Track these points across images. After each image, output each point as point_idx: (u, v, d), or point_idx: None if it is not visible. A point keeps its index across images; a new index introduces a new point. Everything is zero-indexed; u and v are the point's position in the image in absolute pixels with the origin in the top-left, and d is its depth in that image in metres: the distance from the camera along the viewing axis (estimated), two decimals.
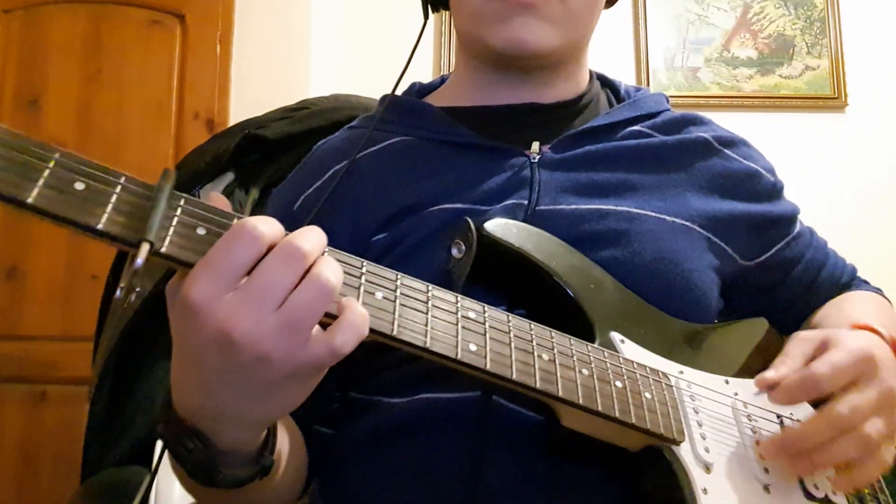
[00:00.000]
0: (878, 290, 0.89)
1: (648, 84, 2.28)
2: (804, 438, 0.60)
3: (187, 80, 1.84)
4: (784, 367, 0.64)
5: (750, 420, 0.66)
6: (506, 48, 0.73)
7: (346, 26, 2.37)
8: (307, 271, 0.44)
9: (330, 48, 2.35)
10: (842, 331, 0.68)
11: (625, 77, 0.90)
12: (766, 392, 0.63)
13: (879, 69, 2.31)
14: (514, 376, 0.54)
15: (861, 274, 0.90)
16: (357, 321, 0.45)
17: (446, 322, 0.52)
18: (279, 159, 1.15)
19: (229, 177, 1.15)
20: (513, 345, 0.55)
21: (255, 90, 1.95)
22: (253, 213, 1.11)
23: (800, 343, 0.67)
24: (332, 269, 0.45)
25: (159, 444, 0.54)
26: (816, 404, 0.65)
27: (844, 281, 0.88)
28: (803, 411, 0.71)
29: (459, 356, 0.52)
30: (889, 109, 2.28)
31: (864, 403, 0.60)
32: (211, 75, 1.84)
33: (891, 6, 2.34)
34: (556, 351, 0.57)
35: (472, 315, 0.54)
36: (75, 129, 1.82)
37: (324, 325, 0.46)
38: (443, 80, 0.87)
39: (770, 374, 0.63)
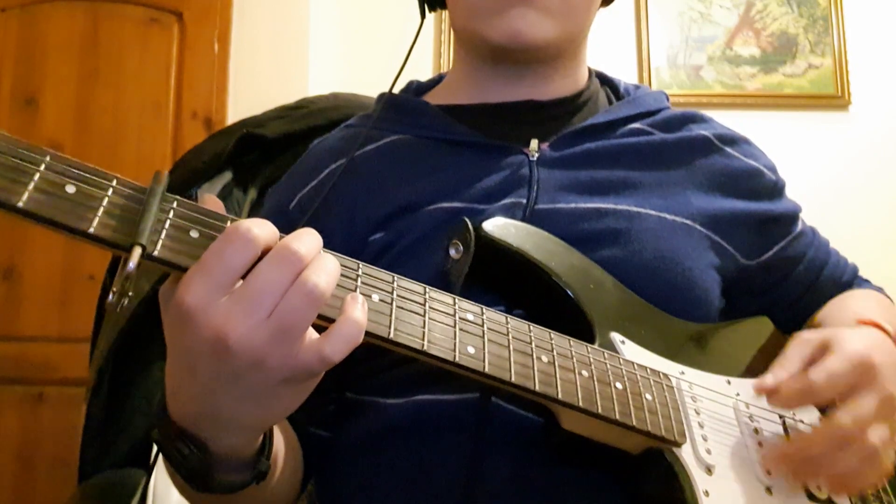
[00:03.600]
0: (880, 289, 0.88)
1: (651, 82, 2.27)
2: (807, 450, 0.61)
3: (185, 79, 1.83)
4: (782, 372, 0.63)
5: (752, 421, 0.66)
6: (503, 41, 0.72)
7: (344, 25, 2.36)
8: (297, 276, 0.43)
9: (328, 46, 2.34)
10: (842, 331, 0.67)
11: (627, 75, 0.89)
12: (765, 396, 0.63)
13: (883, 68, 2.30)
14: (513, 379, 0.53)
15: (864, 273, 0.90)
16: (349, 331, 0.45)
17: (444, 324, 0.52)
18: (278, 158, 1.14)
19: (227, 176, 1.14)
20: (511, 347, 0.55)
21: (254, 89, 1.94)
22: (251, 213, 1.11)
23: (799, 345, 0.66)
24: (323, 273, 0.44)
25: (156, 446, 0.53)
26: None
27: (846, 280, 0.87)
28: (807, 413, 0.70)
29: (457, 359, 0.51)
30: (893, 108, 2.27)
31: (864, 412, 0.60)
32: (209, 74, 1.83)
33: (894, 4, 2.33)
34: (555, 353, 0.57)
35: (469, 317, 0.54)
36: (73, 128, 1.82)
37: (323, 328, 0.45)
38: (441, 77, 0.86)
39: (768, 378, 0.63)
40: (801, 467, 0.62)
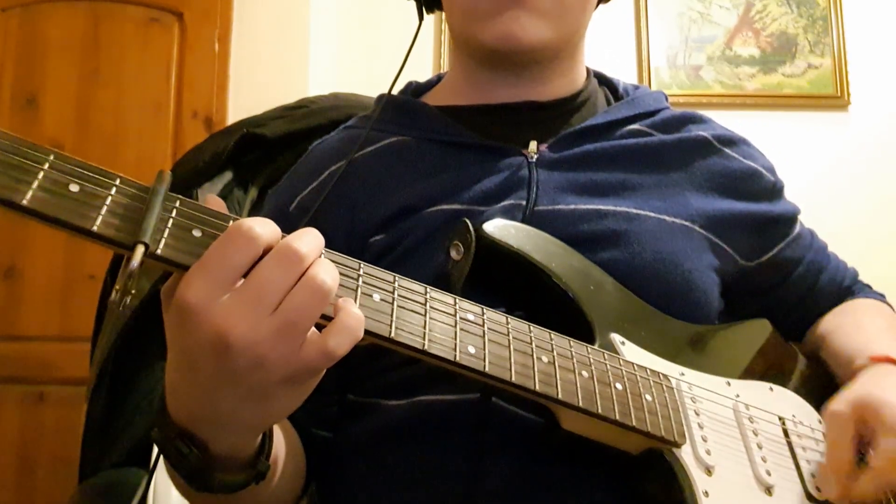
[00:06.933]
0: (881, 296, 0.88)
1: (650, 82, 2.27)
2: None
3: (186, 79, 1.84)
4: (841, 475, 0.63)
5: (752, 422, 0.66)
6: (497, 44, 0.72)
7: (344, 25, 2.36)
8: (303, 274, 0.44)
9: (329, 46, 2.34)
10: (880, 400, 0.65)
11: (627, 76, 0.89)
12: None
13: (882, 68, 2.30)
14: (514, 379, 0.53)
15: (864, 275, 0.90)
16: (351, 324, 0.45)
17: (444, 324, 0.52)
18: (278, 158, 1.14)
19: (228, 176, 1.14)
20: (512, 347, 0.55)
21: (254, 89, 1.95)
22: (251, 213, 1.11)
23: (841, 427, 0.65)
24: (327, 271, 0.44)
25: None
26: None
27: (847, 284, 0.87)
28: (807, 416, 0.70)
29: (458, 359, 0.51)
30: (892, 108, 2.27)
31: None
32: (209, 74, 1.84)
33: (893, 4, 2.33)
34: (555, 353, 0.57)
35: (470, 317, 0.54)
36: (73, 128, 1.82)
37: (320, 327, 0.45)
38: (439, 78, 0.86)
39: (833, 487, 0.63)
40: None
